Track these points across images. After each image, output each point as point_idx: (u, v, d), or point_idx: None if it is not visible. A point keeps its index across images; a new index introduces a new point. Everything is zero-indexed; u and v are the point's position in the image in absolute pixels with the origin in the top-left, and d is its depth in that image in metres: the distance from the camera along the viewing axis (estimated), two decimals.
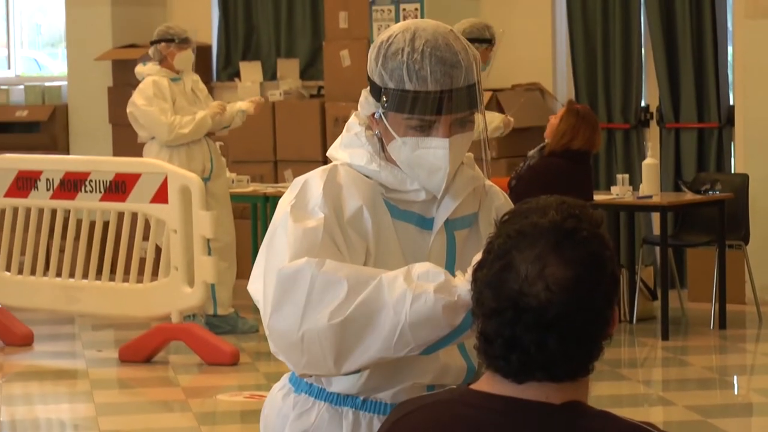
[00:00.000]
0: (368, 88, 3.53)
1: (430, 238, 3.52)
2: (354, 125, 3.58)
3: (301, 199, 3.45)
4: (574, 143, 10.13)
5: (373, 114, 3.51)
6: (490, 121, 10.89)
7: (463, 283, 3.21)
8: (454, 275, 3.32)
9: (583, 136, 10.14)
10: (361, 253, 3.44)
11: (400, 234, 3.51)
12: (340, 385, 3.51)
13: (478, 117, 3.51)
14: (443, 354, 3.43)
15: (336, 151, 3.57)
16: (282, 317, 3.31)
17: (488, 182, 3.67)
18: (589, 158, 10.35)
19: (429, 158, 3.45)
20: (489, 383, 2.81)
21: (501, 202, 3.66)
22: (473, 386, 2.84)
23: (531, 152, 10.33)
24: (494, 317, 2.71)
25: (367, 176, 3.51)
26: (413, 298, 3.22)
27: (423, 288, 3.22)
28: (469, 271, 2.95)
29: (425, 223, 3.53)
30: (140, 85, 12.04)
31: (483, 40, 10.95)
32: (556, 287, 2.65)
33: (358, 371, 3.39)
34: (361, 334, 3.26)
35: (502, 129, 11.14)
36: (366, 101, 3.53)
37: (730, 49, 12.96)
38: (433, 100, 3.41)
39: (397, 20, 13.48)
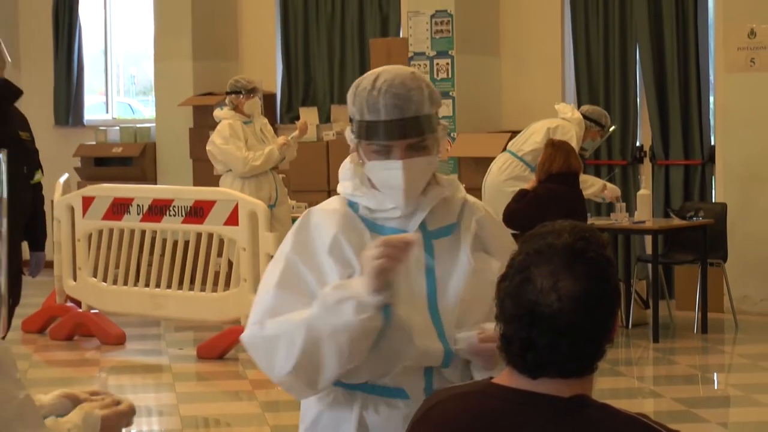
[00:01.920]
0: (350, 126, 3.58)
1: None
2: (346, 160, 3.63)
3: (280, 249, 3.57)
4: (553, 167, 10.15)
5: (357, 145, 3.54)
6: (592, 183, 11.31)
7: (361, 286, 3.28)
8: (435, 277, 3.45)
9: (559, 160, 10.16)
10: (343, 276, 3.44)
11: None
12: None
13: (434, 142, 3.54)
14: (422, 340, 3.42)
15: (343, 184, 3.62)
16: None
17: (470, 198, 3.65)
18: (574, 180, 10.28)
19: (389, 179, 3.49)
20: (508, 378, 2.80)
21: (481, 214, 3.64)
22: (495, 380, 2.82)
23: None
24: (513, 322, 2.71)
25: (354, 202, 3.55)
26: (334, 322, 3.31)
27: (340, 310, 3.30)
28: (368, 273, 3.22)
29: (401, 233, 3.48)
30: (218, 127, 12.07)
31: (598, 123, 11.63)
32: (567, 299, 2.65)
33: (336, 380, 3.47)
34: (317, 366, 3.37)
35: (600, 196, 11.45)
36: (347, 135, 3.57)
37: (711, 98, 12.89)
38: (385, 128, 3.45)
39: (431, 73, 13.49)
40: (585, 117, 11.52)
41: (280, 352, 3.39)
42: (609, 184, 11.73)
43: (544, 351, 2.69)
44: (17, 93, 7.87)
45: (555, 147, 10.36)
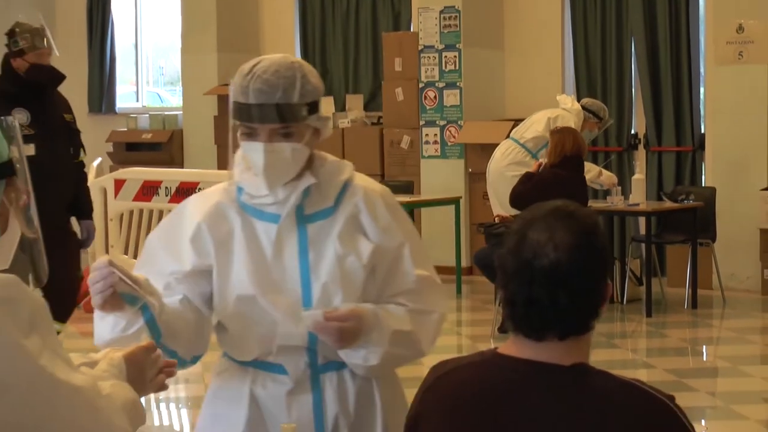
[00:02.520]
0: None
1: (278, 229, 3.40)
2: (239, 151, 3.48)
3: (153, 243, 3.55)
4: (566, 149, 10.11)
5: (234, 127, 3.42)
6: (588, 169, 11.17)
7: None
8: (308, 261, 3.37)
9: (569, 142, 10.14)
10: (202, 265, 3.40)
11: (254, 231, 3.41)
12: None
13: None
14: (285, 323, 3.34)
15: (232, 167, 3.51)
16: None
17: (358, 180, 3.49)
18: (579, 165, 10.28)
19: (254, 160, 3.36)
20: (513, 347, 2.79)
21: (360, 196, 3.45)
22: (500, 350, 2.81)
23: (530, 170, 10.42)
24: (514, 279, 2.71)
25: (240, 188, 3.44)
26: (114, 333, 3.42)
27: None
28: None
29: (277, 219, 3.41)
30: None
31: (596, 115, 11.66)
32: (562, 247, 2.67)
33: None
34: None
35: (597, 182, 11.44)
36: (231, 120, 3.43)
37: (702, 89, 12.88)
38: (250, 111, 3.32)
39: (440, 65, 13.49)
40: (584, 108, 11.51)
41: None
42: (605, 172, 11.71)
43: (545, 305, 2.69)
44: (61, 77, 7.91)
45: (562, 132, 10.40)
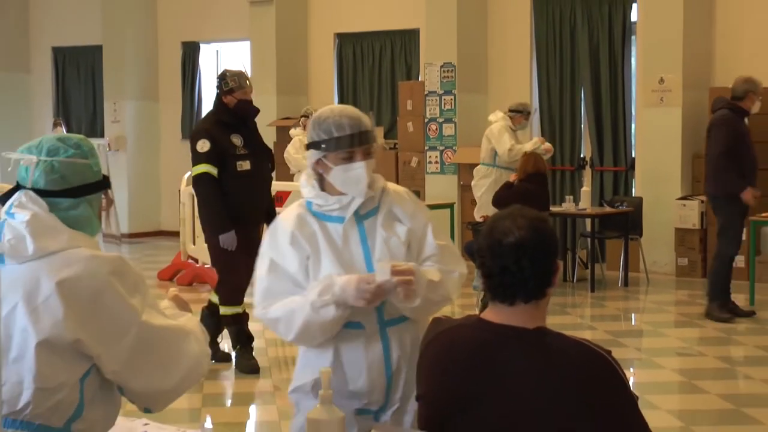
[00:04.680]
0: (310, 149, 3.55)
1: (343, 227, 3.53)
2: (303, 176, 3.62)
3: (261, 249, 3.61)
4: (528, 169, 10.29)
5: (317, 160, 3.52)
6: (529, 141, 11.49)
7: (343, 293, 3.35)
8: (368, 246, 3.50)
9: (530, 164, 10.32)
10: (303, 258, 3.48)
11: (328, 230, 3.52)
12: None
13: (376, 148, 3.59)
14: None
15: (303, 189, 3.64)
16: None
17: (389, 185, 3.67)
18: (544, 179, 10.39)
19: (354, 176, 3.49)
20: (491, 314, 2.80)
21: (392, 197, 3.62)
22: (482, 316, 2.83)
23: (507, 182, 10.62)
24: (489, 255, 2.73)
25: (310, 202, 3.56)
26: (322, 317, 3.39)
27: (326, 311, 3.38)
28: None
29: (342, 220, 3.54)
30: (292, 141, 12.10)
31: (518, 111, 11.59)
32: (524, 227, 2.71)
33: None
34: (310, 339, 3.48)
35: (542, 150, 11.43)
36: (310, 155, 3.54)
37: (633, 124, 12.87)
38: (349, 139, 3.46)
39: (440, 105, 13.49)
40: (511, 110, 11.56)
41: (281, 328, 3.48)
42: (546, 143, 11.64)
43: (513, 272, 2.70)
44: (257, 110, 7.79)
45: (526, 156, 10.61)
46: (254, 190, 7.52)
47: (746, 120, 9.62)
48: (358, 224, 3.53)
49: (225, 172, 7.42)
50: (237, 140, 7.49)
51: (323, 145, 3.48)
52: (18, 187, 2.73)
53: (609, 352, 2.74)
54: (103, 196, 2.82)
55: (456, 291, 3.59)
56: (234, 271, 7.53)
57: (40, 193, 2.69)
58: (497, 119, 11.48)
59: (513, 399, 2.68)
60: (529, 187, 10.10)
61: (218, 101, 7.67)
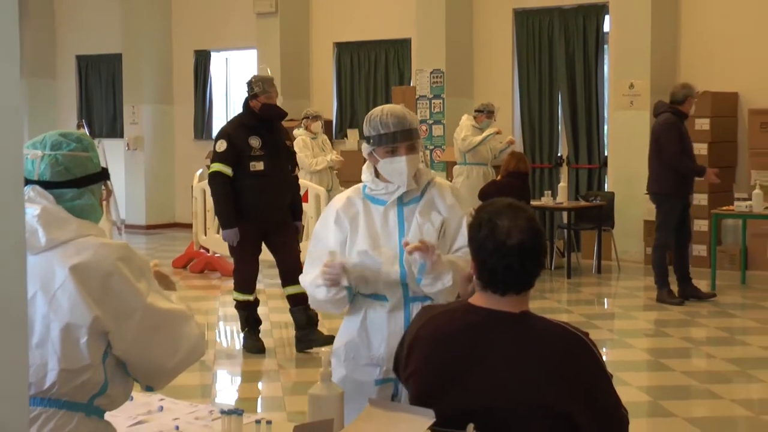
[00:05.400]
0: (364, 143, 3.68)
1: (384, 209, 3.66)
2: (365, 165, 3.70)
3: (317, 229, 3.75)
4: (509, 168, 10.48)
5: (370, 153, 3.63)
6: (499, 141, 11.73)
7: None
8: (404, 229, 3.61)
9: (512, 164, 10.52)
10: (343, 236, 3.62)
11: (371, 211, 3.64)
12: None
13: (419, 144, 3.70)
14: (387, 268, 3.57)
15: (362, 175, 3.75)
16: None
17: (437, 179, 3.76)
18: (525, 175, 10.53)
19: (397, 168, 3.59)
20: (480, 299, 2.78)
21: (436, 189, 3.70)
22: (470, 301, 2.81)
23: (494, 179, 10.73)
24: (494, 255, 2.68)
25: (365, 186, 3.68)
26: (317, 292, 3.57)
27: (317, 284, 3.56)
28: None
29: (385, 203, 3.66)
30: (295, 141, 12.06)
31: (481, 111, 11.71)
32: (525, 231, 2.68)
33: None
34: (323, 308, 3.68)
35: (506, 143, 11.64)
36: (364, 148, 3.66)
37: (606, 126, 12.86)
38: (393, 136, 3.57)
39: (430, 108, 13.47)
40: (475, 110, 11.63)
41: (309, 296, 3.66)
42: (509, 137, 11.88)
43: (518, 269, 2.68)
44: (284, 114, 7.69)
45: (511, 155, 10.76)
46: (267, 190, 7.44)
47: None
48: (398, 208, 3.63)
49: (240, 171, 7.40)
50: (255, 142, 7.44)
51: (372, 140, 3.60)
52: (25, 182, 2.70)
53: (586, 334, 2.73)
54: (103, 187, 2.80)
55: None
56: (244, 262, 7.59)
57: (46, 185, 2.67)
58: (464, 120, 11.64)
59: (496, 375, 2.67)
60: (512, 182, 10.21)
61: (245, 105, 7.63)
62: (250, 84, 7.59)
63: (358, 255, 3.55)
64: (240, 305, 7.75)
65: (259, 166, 7.43)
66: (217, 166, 7.41)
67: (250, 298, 7.72)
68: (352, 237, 3.60)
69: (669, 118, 9.46)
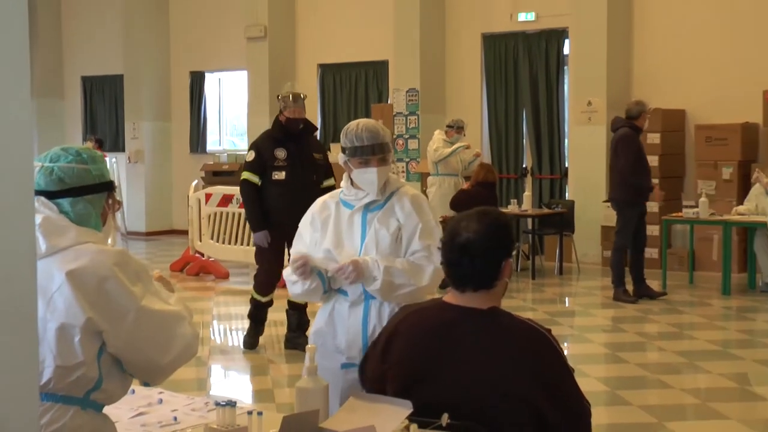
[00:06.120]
0: (340, 153, 3.74)
1: (351, 214, 3.72)
2: (345, 174, 3.75)
3: (299, 229, 3.84)
4: (479, 178, 10.49)
5: (345, 162, 3.67)
6: (465, 156, 11.57)
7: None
8: (365, 233, 3.66)
9: (481, 174, 10.52)
10: (315, 235, 3.72)
11: (341, 214, 3.70)
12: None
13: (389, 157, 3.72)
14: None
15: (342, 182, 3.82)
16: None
17: (404, 188, 3.78)
18: (493, 185, 10.54)
19: (369, 178, 3.66)
20: (450, 297, 2.80)
21: (397, 197, 3.72)
22: (444, 299, 2.81)
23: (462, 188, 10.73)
24: (448, 251, 2.72)
25: (341, 192, 3.74)
26: (292, 287, 3.73)
27: (292, 280, 3.72)
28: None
29: (353, 207, 3.73)
30: None
31: (450, 126, 11.60)
32: (472, 232, 2.69)
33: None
34: (301, 300, 3.90)
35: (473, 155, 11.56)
36: (340, 157, 3.73)
37: (566, 140, 12.89)
38: (365, 149, 3.63)
39: (406, 124, 13.48)
40: (446, 126, 11.59)
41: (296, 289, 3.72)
42: (474, 149, 11.83)
43: (465, 265, 2.69)
44: (313, 128, 7.58)
45: (480, 166, 10.76)
46: (288, 198, 7.29)
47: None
48: (363, 214, 3.67)
49: (265, 180, 7.36)
50: (280, 153, 7.36)
51: (347, 151, 3.66)
52: None
53: (549, 331, 2.73)
54: (110, 199, 2.76)
55: (429, 280, 3.65)
56: (263, 266, 7.56)
57: (45, 194, 2.65)
58: (436, 135, 11.63)
59: (467, 368, 2.66)
60: (481, 191, 10.22)
61: (275, 119, 7.60)
62: (279, 99, 7.57)
63: (323, 252, 3.65)
64: (253, 302, 7.75)
65: (280, 175, 7.36)
66: (245, 175, 7.41)
67: (263, 300, 7.69)
68: (321, 236, 3.69)
69: (627, 132, 9.51)
